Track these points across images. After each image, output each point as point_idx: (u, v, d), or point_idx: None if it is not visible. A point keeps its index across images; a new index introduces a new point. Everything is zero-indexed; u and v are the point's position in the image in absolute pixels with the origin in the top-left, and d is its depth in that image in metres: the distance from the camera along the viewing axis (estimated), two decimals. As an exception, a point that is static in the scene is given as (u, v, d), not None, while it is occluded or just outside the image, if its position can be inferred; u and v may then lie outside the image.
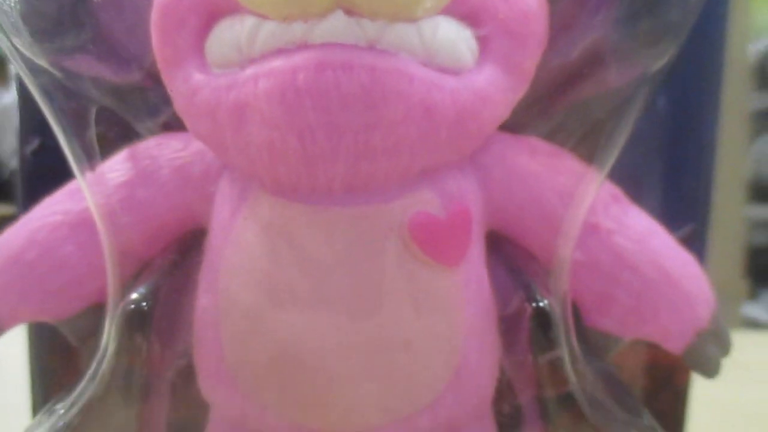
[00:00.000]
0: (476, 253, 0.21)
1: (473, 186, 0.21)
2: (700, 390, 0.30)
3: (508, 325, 0.21)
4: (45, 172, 0.26)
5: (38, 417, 0.22)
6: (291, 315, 0.20)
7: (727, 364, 0.24)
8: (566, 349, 0.21)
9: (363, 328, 0.20)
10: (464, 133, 0.19)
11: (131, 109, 0.25)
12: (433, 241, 0.20)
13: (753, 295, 1.65)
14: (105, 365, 0.21)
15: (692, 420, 0.30)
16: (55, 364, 0.29)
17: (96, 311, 0.24)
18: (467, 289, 0.21)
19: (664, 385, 0.30)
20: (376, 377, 0.20)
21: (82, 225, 0.23)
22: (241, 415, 0.22)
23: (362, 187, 0.20)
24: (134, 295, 0.21)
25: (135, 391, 0.21)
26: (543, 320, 0.21)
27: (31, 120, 0.29)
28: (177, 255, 0.23)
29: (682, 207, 0.29)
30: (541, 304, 0.21)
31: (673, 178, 0.29)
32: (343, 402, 0.20)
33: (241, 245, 0.21)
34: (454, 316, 0.21)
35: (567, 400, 0.22)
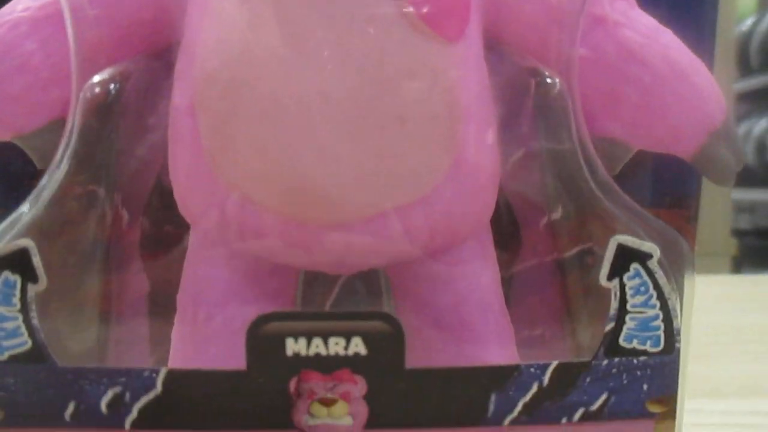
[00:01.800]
0: (474, 37, 0.20)
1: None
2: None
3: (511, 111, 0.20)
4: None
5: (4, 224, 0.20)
6: (274, 85, 0.18)
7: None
8: (576, 137, 0.20)
9: (354, 97, 0.18)
10: None
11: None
12: (429, 5, 0.18)
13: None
14: (69, 150, 0.19)
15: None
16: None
17: (62, 127, 0.22)
18: (466, 69, 0.19)
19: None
20: (368, 154, 0.18)
21: (44, 21, 0.21)
22: (222, 222, 0.20)
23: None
24: (102, 76, 0.19)
25: (103, 179, 0.19)
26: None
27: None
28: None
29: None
30: (548, 80, 0.19)
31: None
32: (332, 183, 0.18)
33: (220, 18, 0.19)
34: (452, 96, 0.19)
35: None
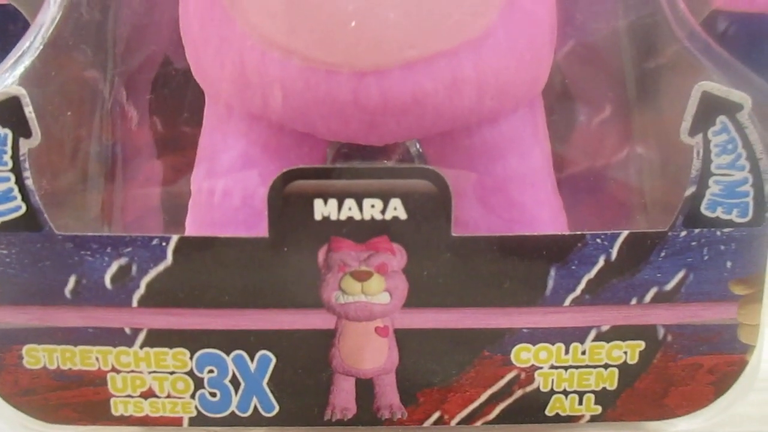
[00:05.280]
0: None
1: None
2: None
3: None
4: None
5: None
6: None
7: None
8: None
9: None
10: None
11: None
12: None
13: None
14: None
15: None
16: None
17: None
18: None
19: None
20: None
21: None
22: (241, 78, 0.17)
23: None
24: None
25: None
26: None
27: None
28: None
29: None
30: None
31: None
32: (368, 16, 0.16)
33: None
34: None
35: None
